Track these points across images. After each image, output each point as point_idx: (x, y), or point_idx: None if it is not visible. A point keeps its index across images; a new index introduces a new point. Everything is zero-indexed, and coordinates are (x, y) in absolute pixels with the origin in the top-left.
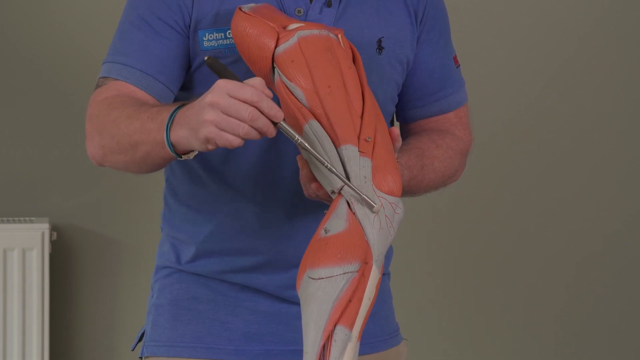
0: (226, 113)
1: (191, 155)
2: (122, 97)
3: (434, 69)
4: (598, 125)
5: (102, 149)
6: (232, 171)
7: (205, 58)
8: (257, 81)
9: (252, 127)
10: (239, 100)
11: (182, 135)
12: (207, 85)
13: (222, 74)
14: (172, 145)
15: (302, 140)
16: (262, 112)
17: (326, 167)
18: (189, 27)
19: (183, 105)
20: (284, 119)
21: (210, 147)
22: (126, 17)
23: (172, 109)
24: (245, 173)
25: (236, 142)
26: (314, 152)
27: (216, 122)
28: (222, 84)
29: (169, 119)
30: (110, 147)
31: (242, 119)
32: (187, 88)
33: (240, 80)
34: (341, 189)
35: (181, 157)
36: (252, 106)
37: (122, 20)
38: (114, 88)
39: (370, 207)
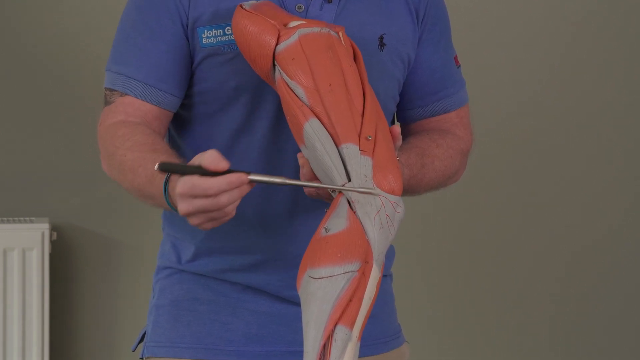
0: (204, 212)
1: None
2: (126, 129)
3: (435, 69)
4: (598, 126)
5: (115, 179)
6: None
7: (155, 167)
8: (208, 158)
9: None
10: (204, 197)
11: None
12: (207, 83)
13: (178, 172)
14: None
15: (276, 179)
16: (231, 189)
17: (319, 186)
18: (187, 26)
19: (166, 181)
20: (251, 174)
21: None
22: (126, 20)
23: (161, 184)
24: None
25: (231, 216)
26: (297, 182)
27: (204, 222)
28: (181, 192)
29: (166, 198)
30: (123, 186)
31: (221, 208)
32: (188, 86)
33: (198, 169)
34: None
35: None
36: (221, 194)
37: (122, 22)
38: (120, 109)
39: (369, 194)
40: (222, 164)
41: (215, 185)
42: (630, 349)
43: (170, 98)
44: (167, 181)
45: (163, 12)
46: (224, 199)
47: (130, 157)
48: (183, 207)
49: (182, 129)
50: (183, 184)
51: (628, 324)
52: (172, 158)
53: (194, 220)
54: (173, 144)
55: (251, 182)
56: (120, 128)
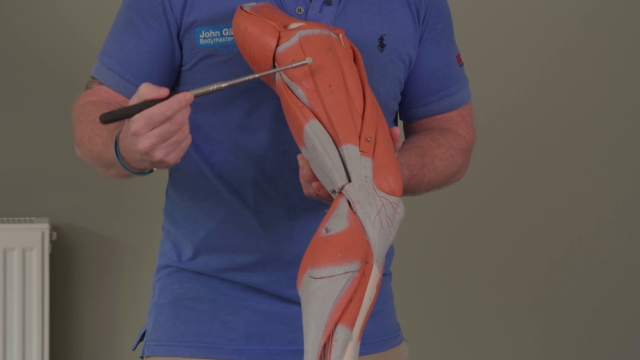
0: (165, 140)
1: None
2: (92, 105)
3: (436, 68)
4: (598, 126)
5: (82, 157)
6: (234, 169)
7: (97, 121)
8: (144, 91)
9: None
10: (160, 124)
11: (141, 167)
12: (204, 84)
13: (122, 116)
14: (138, 171)
15: (219, 85)
16: (180, 110)
17: (251, 79)
18: (179, 32)
19: (117, 137)
20: (193, 91)
21: (178, 161)
22: (119, 16)
23: (112, 143)
24: (247, 171)
25: (189, 140)
26: (235, 82)
27: (167, 152)
28: (135, 129)
29: (119, 159)
30: (88, 160)
31: (177, 130)
32: (183, 84)
33: (138, 107)
34: (342, 188)
35: (152, 171)
36: (172, 116)
37: (116, 17)
38: (96, 93)
39: (305, 64)
40: (163, 90)
41: (170, 105)
42: (630, 349)
43: None
44: (117, 143)
45: (152, 13)
46: (179, 117)
47: (90, 129)
48: (144, 142)
49: None
50: (137, 121)
51: (628, 324)
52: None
53: (157, 154)
54: None
55: (196, 96)
56: (87, 105)
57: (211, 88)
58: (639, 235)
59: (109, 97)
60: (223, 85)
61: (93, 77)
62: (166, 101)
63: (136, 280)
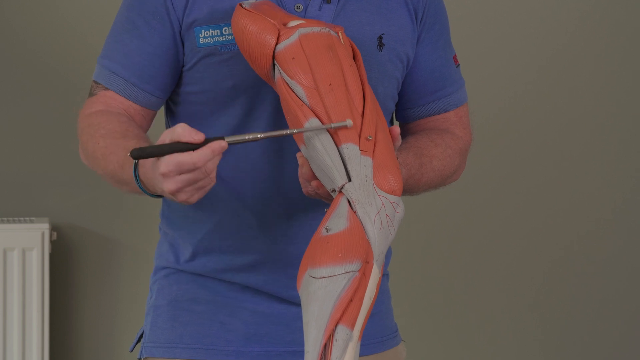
0: (190, 185)
1: None
2: (102, 117)
3: (433, 68)
4: (597, 126)
5: (90, 166)
6: (232, 169)
7: (128, 154)
8: (181, 133)
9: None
10: (189, 172)
11: (159, 192)
12: (205, 83)
13: (153, 154)
14: (154, 194)
15: (252, 136)
16: (212, 159)
17: (287, 133)
18: (180, 30)
19: (135, 165)
20: (227, 138)
21: (187, 203)
22: (119, 16)
23: (131, 166)
24: (245, 171)
25: (214, 181)
26: (271, 134)
27: (190, 195)
28: (164, 171)
29: (137, 181)
30: (98, 172)
31: (205, 178)
32: (185, 86)
33: (169, 148)
34: (342, 187)
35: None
36: (197, 168)
37: (117, 17)
38: (102, 100)
39: (344, 126)
40: (199, 135)
41: (203, 157)
42: (630, 348)
43: (151, 98)
44: (136, 166)
45: (154, 14)
46: (209, 166)
47: (102, 145)
48: (170, 185)
49: None
50: (166, 164)
51: (628, 323)
52: (142, 142)
53: (181, 196)
54: None
55: (230, 144)
56: (97, 117)
57: (246, 137)
58: (638, 234)
59: (115, 105)
60: (259, 136)
61: (96, 82)
62: (199, 151)
63: (136, 280)
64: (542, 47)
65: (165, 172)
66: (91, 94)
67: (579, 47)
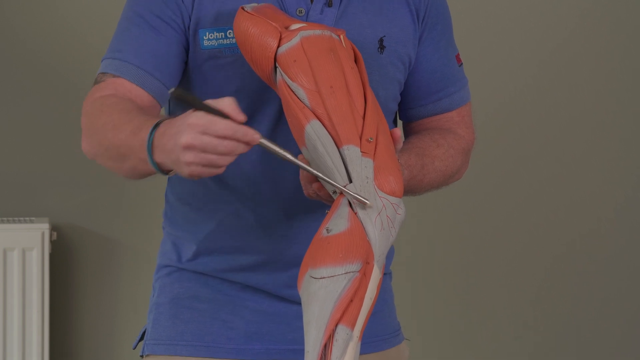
0: (204, 151)
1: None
2: (115, 98)
3: (436, 68)
4: (599, 128)
5: (93, 149)
6: (233, 170)
7: (170, 91)
8: (227, 104)
9: (231, 155)
10: (214, 136)
11: (165, 161)
12: (208, 86)
13: (192, 104)
14: (157, 165)
15: (285, 154)
16: (239, 141)
17: (321, 178)
18: (188, 27)
19: (159, 123)
20: (263, 137)
21: (195, 179)
22: (124, 15)
23: (150, 126)
24: (246, 172)
25: (220, 171)
26: (302, 164)
27: (196, 163)
28: (193, 122)
29: (149, 140)
30: (100, 151)
31: (221, 154)
32: (188, 89)
33: (210, 109)
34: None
35: (168, 174)
36: (228, 139)
37: (121, 18)
38: (111, 87)
39: (364, 205)
40: (242, 115)
41: (232, 129)
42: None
43: (162, 88)
44: (155, 126)
45: (164, 9)
46: (230, 145)
47: (117, 117)
48: (188, 137)
49: None
50: (200, 116)
51: (630, 321)
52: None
53: (189, 157)
54: None
55: (260, 144)
56: (109, 98)
57: (278, 150)
58: (639, 232)
59: (124, 93)
60: (287, 156)
61: (103, 73)
62: (235, 124)
63: (136, 280)
64: (543, 42)
65: (194, 123)
66: (97, 82)
67: (580, 42)
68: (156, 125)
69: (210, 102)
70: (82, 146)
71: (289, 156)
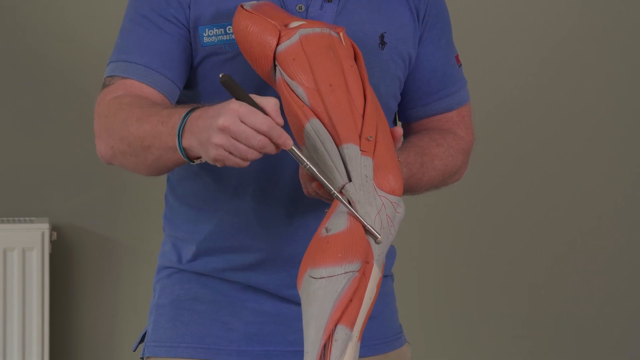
0: (236, 139)
1: (203, 160)
2: (130, 97)
3: (436, 68)
4: (599, 126)
5: (112, 149)
6: (232, 169)
7: (220, 75)
8: (271, 104)
9: (260, 151)
10: (250, 127)
11: (193, 144)
12: (208, 83)
13: (237, 93)
14: (184, 150)
15: (311, 166)
16: (271, 140)
17: (333, 194)
18: (189, 24)
19: (195, 108)
20: (295, 144)
21: (218, 165)
22: (127, 17)
23: (184, 112)
24: (245, 171)
25: (244, 164)
26: (322, 178)
27: (225, 147)
28: (235, 107)
29: (181, 124)
30: (121, 149)
31: (251, 147)
32: (188, 86)
33: (253, 103)
34: (342, 188)
35: (193, 162)
36: (262, 135)
37: (124, 20)
38: (121, 88)
39: (375, 238)
40: (281, 119)
41: (269, 126)
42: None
43: (172, 86)
44: (190, 111)
45: (166, 8)
46: (262, 140)
47: (139, 111)
48: (226, 120)
49: None
50: (243, 105)
51: (630, 321)
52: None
53: (220, 139)
54: None
55: (289, 151)
56: (124, 97)
57: (305, 161)
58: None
59: (135, 92)
60: (313, 169)
61: (111, 76)
62: (273, 122)
63: (136, 280)
64: (543, 40)
65: (236, 109)
66: (106, 85)
67: (580, 40)
68: (191, 111)
69: (255, 97)
70: (97, 150)
71: (314, 169)
